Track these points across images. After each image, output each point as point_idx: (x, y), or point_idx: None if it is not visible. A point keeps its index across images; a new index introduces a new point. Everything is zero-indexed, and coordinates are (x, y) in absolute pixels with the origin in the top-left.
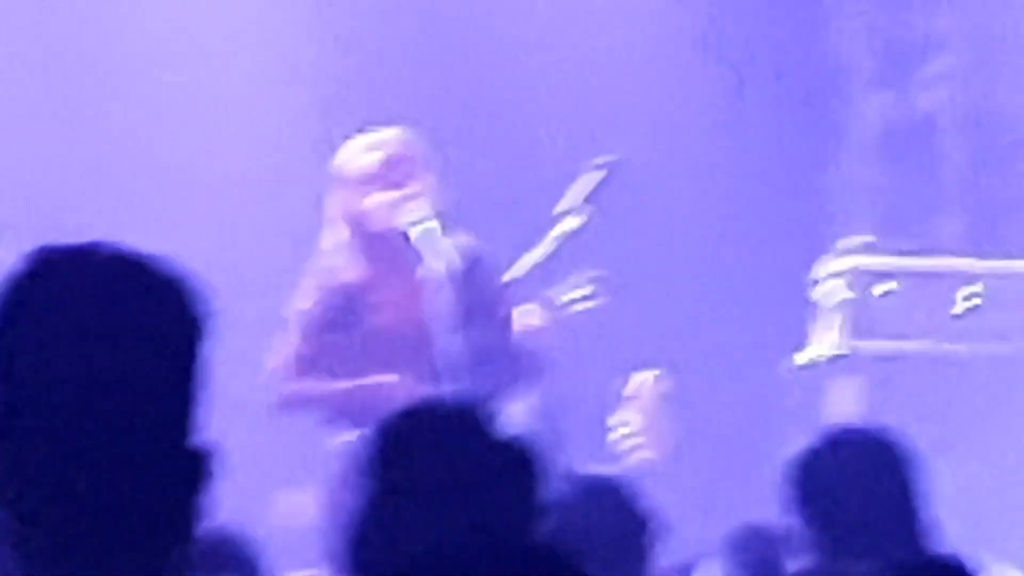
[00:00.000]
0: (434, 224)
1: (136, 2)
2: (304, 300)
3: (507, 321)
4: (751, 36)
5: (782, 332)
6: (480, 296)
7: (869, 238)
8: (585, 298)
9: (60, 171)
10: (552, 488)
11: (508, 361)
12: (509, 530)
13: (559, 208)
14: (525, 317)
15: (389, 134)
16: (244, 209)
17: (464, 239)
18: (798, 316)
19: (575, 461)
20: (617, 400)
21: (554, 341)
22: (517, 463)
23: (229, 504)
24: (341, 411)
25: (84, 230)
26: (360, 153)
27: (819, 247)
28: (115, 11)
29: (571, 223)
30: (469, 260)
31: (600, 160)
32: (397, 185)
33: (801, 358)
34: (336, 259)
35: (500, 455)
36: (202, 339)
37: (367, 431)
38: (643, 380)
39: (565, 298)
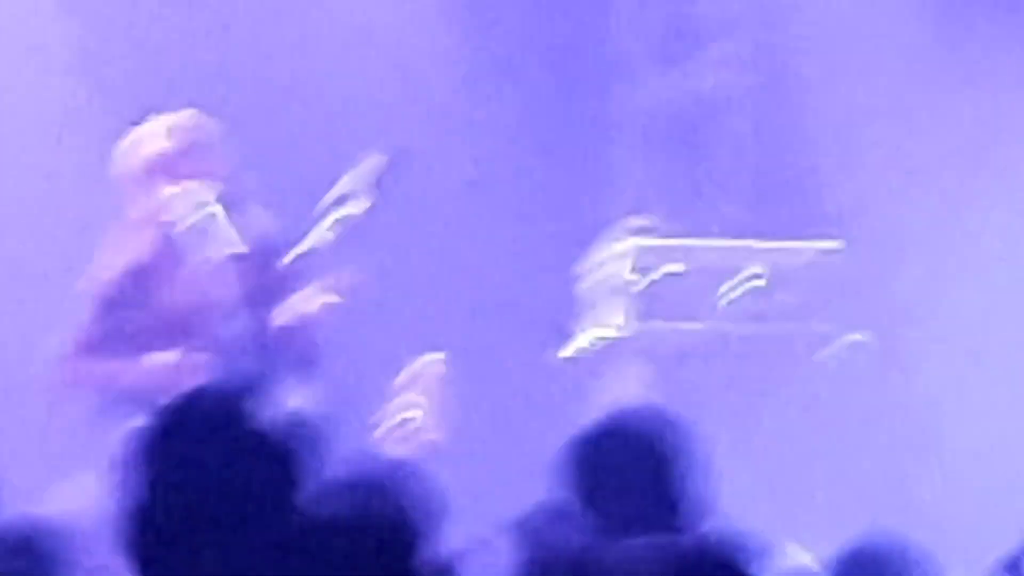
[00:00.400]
0: (216, 209)
1: None
2: (92, 283)
3: (289, 304)
4: (529, 15)
5: (559, 317)
6: (262, 280)
7: (651, 220)
8: (361, 286)
9: None
10: (333, 471)
11: (287, 345)
12: (277, 515)
13: (338, 193)
14: (304, 302)
15: (177, 117)
16: (29, 199)
17: (254, 220)
18: (575, 301)
19: (357, 444)
20: (398, 384)
21: (333, 326)
22: (285, 449)
23: (12, 490)
24: (124, 391)
25: None
26: (148, 137)
27: (602, 229)
28: None
29: (351, 208)
30: (254, 244)
31: (382, 147)
32: (184, 170)
33: (583, 340)
34: (123, 243)
35: (268, 442)
36: None
37: (143, 418)
38: (424, 364)
39: (344, 285)
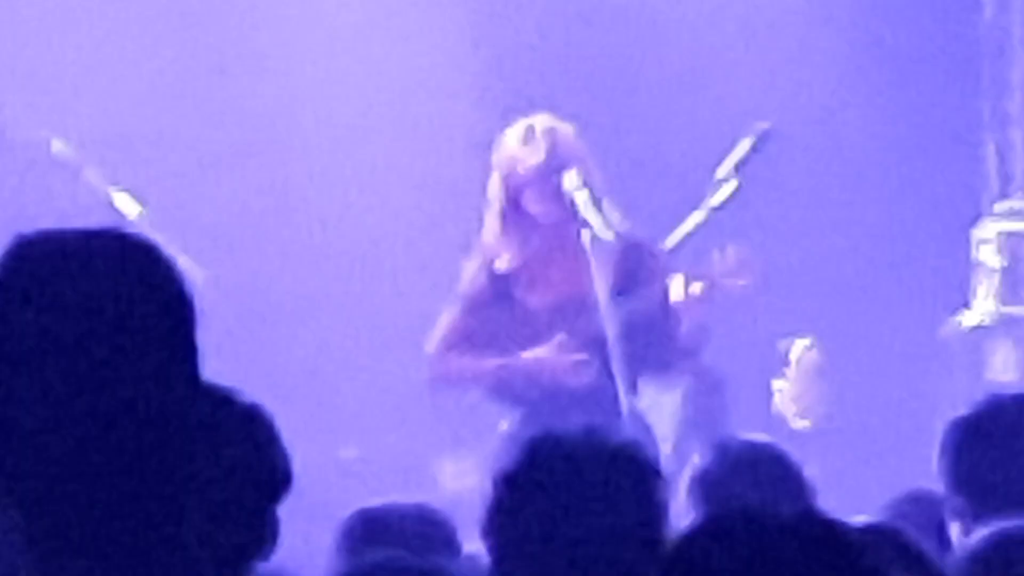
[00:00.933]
0: (585, 197)
1: None
2: (463, 282)
3: (664, 294)
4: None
5: (939, 297)
6: (637, 270)
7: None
8: (738, 273)
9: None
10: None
11: (665, 334)
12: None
13: (715, 176)
14: (681, 289)
15: (546, 121)
16: (399, 199)
17: (618, 220)
18: (956, 280)
19: (734, 429)
20: (775, 368)
21: (710, 313)
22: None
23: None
24: (495, 386)
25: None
26: (519, 139)
27: (976, 211)
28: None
29: (725, 191)
30: (624, 238)
31: (756, 128)
32: (557, 171)
33: (959, 322)
34: (494, 241)
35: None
36: (181, 318)
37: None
38: (800, 347)
39: (719, 273)
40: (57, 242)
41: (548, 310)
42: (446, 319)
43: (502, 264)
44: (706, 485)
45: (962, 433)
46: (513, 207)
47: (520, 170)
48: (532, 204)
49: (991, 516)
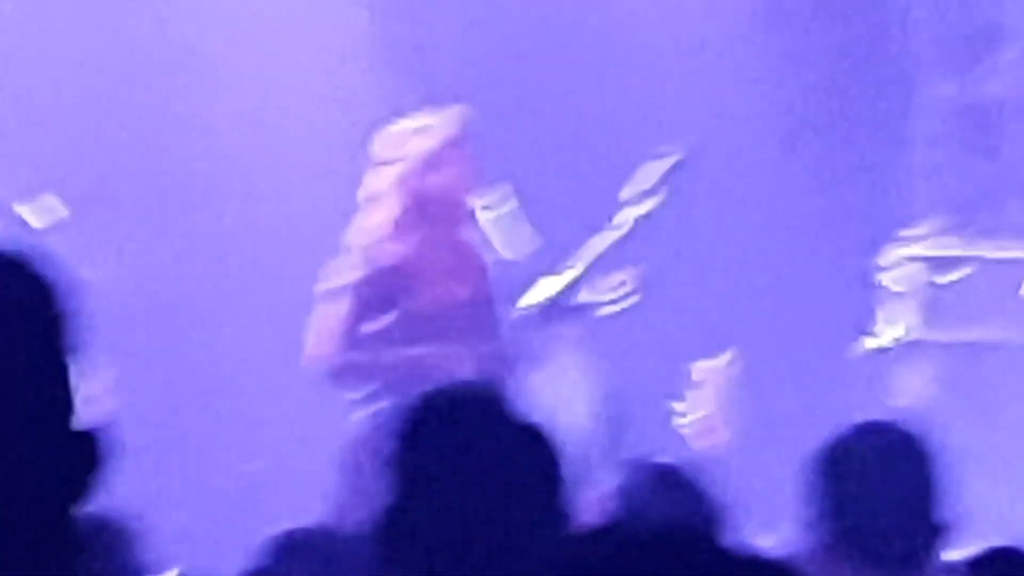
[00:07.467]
0: (511, 208)
1: None
2: (350, 274)
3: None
4: (818, 20)
5: (850, 318)
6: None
7: (937, 224)
8: (623, 297)
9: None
10: (617, 476)
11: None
12: (532, 521)
13: (624, 195)
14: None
15: (449, 114)
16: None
17: (529, 236)
18: (866, 302)
19: (640, 447)
20: (685, 386)
21: (624, 323)
22: (540, 450)
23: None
24: (382, 383)
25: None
26: (421, 132)
27: (888, 233)
28: None
29: (637, 210)
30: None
31: (666, 148)
32: (460, 167)
33: (869, 344)
34: (387, 235)
35: (522, 444)
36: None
37: (400, 411)
38: (711, 365)
39: (606, 297)
40: None
41: (438, 312)
42: (331, 316)
43: (395, 257)
44: (620, 505)
45: (822, 463)
46: (411, 197)
47: (421, 168)
48: (431, 204)
49: (852, 547)
